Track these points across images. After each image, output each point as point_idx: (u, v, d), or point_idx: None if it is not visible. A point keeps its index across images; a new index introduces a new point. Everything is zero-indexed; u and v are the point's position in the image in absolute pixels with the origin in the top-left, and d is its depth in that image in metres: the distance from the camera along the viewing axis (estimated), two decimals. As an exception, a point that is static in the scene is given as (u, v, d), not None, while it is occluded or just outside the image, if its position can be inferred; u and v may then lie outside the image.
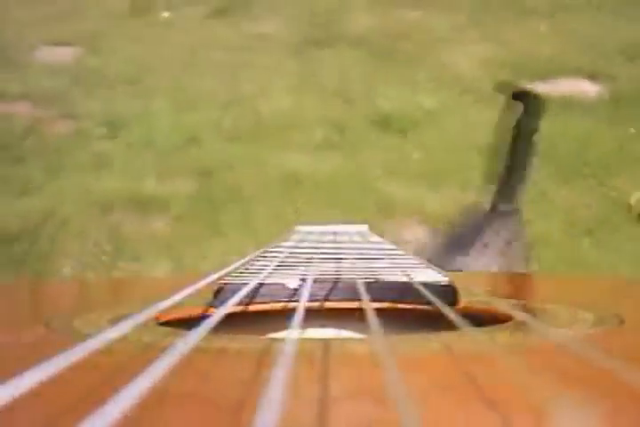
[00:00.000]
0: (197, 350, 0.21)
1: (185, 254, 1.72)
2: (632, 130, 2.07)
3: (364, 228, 0.70)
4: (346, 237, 0.60)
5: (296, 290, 0.39)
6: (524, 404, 0.19)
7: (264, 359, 0.24)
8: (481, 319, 0.33)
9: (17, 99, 2.67)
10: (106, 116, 2.45)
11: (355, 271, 0.41)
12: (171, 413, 0.19)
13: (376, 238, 0.61)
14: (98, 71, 2.86)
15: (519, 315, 0.30)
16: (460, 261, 1.09)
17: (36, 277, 1.63)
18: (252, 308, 0.38)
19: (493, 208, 1.19)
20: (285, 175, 2.00)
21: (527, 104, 1.13)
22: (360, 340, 0.32)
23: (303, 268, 0.43)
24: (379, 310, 0.26)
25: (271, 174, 2.02)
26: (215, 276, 0.34)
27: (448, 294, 0.37)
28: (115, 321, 0.33)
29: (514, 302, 0.39)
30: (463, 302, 0.38)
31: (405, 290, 0.38)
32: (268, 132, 2.27)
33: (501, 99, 1.18)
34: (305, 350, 0.25)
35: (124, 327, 0.21)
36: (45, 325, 0.33)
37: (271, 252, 0.49)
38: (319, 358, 0.24)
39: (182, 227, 1.83)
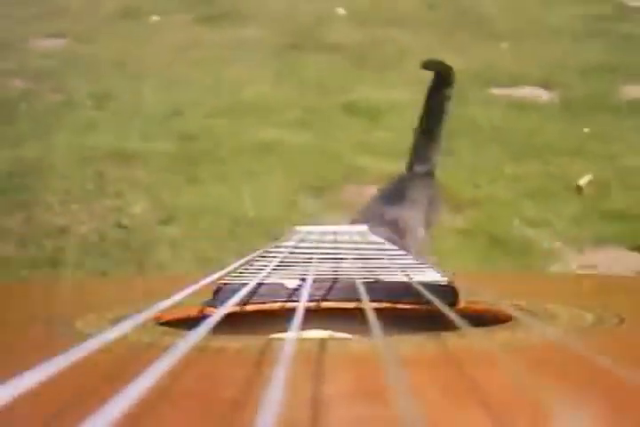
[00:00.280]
0: (197, 350, 0.21)
1: (162, 195, 1.87)
2: (586, 129, 2.28)
3: (364, 228, 0.71)
4: (345, 238, 0.60)
5: (295, 290, 0.39)
6: (523, 404, 0.19)
7: (264, 359, 0.24)
8: (481, 319, 0.33)
9: (11, 75, 2.83)
10: (94, 92, 2.62)
11: (354, 271, 0.41)
12: (171, 412, 0.19)
13: (376, 239, 0.61)
14: (87, 57, 3.04)
15: (519, 315, 0.30)
16: (394, 212, 1.20)
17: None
18: (251, 308, 0.38)
19: (410, 169, 1.30)
20: (259, 144, 2.17)
21: (438, 73, 1.16)
22: (359, 340, 0.32)
23: (303, 268, 0.42)
24: (378, 311, 0.26)
25: (246, 142, 2.19)
26: (215, 276, 0.34)
27: (448, 294, 0.37)
28: (115, 321, 0.33)
29: (514, 301, 0.38)
30: (463, 301, 0.38)
31: (405, 290, 0.38)
32: (246, 111, 2.45)
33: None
34: (304, 350, 0.25)
35: (125, 327, 0.21)
36: (46, 324, 0.34)
37: (271, 252, 0.49)
38: (318, 358, 0.24)
39: (161, 175, 1.99)
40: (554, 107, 2.49)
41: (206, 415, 0.19)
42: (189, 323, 0.27)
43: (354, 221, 1.21)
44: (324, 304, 0.39)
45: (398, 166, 1.23)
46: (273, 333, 0.36)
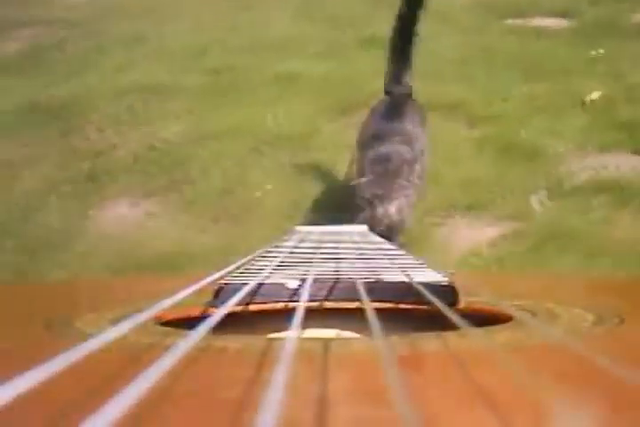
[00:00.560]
0: (198, 350, 0.21)
1: (191, 120, 2.01)
2: (593, 52, 2.35)
3: (364, 228, 0.70)
4: (346, 238, 0.60)
5: (296, 290, 0.38)
6: (523, 403, 0.19)
7: (264, 359, 0.24)
8: (481, 319, 0.32)
9: (41, 24, 2.97)
10: (124, 36, 2.74)
11: (354, 271, 0.41)
12: (172, 412, 0.19)
13: (376, 239, 0.61)
14: (114, 6, 3.16)
15: (519, 315, 0.29)
16: (395, 127, 1.30)
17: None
18: (252, 308, 0.38)
19: (388, 92, 1.38)
20: (283, 74, 2.29)
21: None
22: (360, 340, 0.33)
23: (303, 268, 0.42)
24: (379, 310, 0.26)
25: (270, 74, 2.30)
26: (216, 276, 0.34)
27: (448, 294, 0.37)
28: (116, 321, 0.33)
29: (514, 301, 0.38)
30: (463, 301, 0.38)
31: (405, 290, 0.37)
32: (269, 47, 2.56)
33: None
34: (305, 350, 0.25)
35: (125, 327, 0.21)
36: (46, 325, 0.34)
37: (271, 252, 0.48)
38: (319, 358, 0.24)
39: (190, 104, 2.13)
40: (566, 33, 2.56)
41: (207, 415, 0.19)
42: (190, 323, 0.26)
43: (361, 141, 1.32)
44: (327, 304, 0.39)
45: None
46: (274, 333, 0.36)
